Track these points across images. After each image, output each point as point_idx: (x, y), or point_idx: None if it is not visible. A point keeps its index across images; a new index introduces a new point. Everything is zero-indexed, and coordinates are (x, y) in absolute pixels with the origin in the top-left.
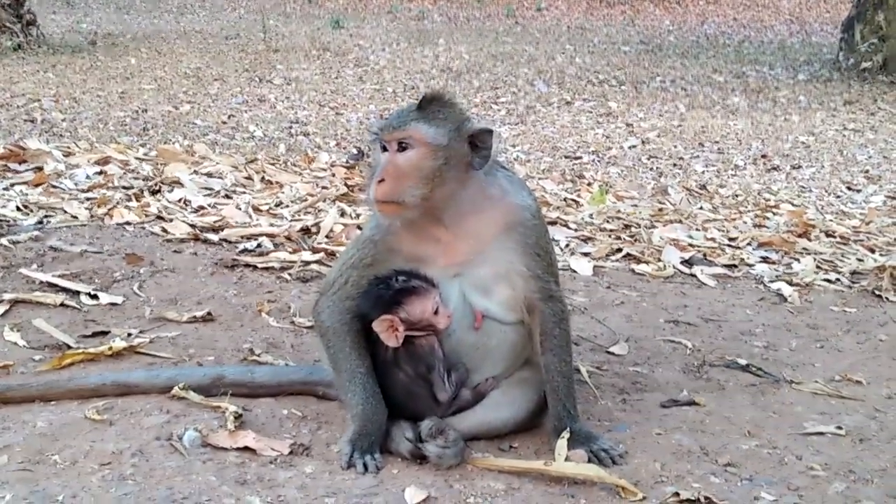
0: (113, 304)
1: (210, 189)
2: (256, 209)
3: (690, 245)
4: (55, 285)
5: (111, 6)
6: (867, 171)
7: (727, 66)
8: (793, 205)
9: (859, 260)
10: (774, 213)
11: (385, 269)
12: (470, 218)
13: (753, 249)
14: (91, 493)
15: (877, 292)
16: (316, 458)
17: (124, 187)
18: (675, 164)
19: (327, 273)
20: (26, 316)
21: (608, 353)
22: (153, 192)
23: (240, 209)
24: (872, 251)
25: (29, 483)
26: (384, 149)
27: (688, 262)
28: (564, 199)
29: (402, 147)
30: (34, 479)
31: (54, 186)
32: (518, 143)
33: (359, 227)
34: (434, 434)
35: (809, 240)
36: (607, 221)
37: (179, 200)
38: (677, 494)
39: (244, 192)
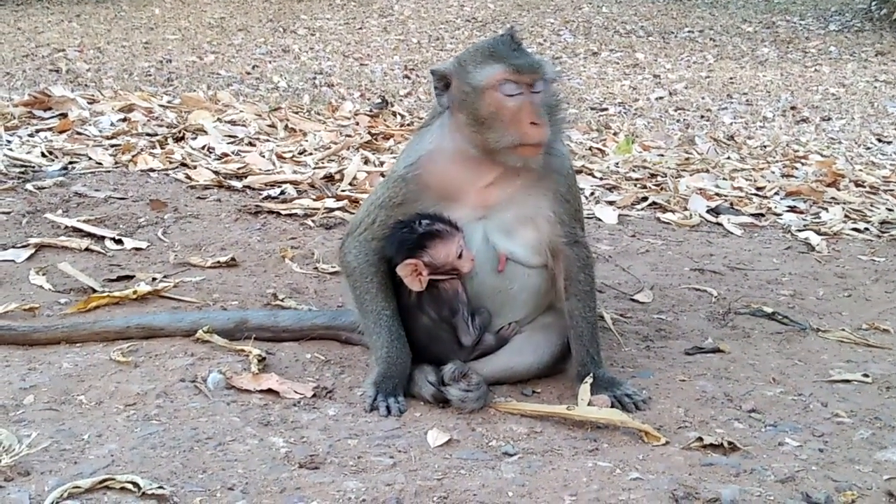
0: (137, 249)
1: (234, 136)
2: (280, 157)
3: (717, 194)
4: (80, 230)
5: None
6: None
7: (757, 16)
8: (822, 156)
9: (889, 209)
10: (803, 164)
11: (414, 208)
12: None
13: (781, 199)
14: (116, 433)
15: None
16: (339, 401)
17: (148, 134)
18: (702, 116)
19: (353, 215)
20: (52, 260)
21: (632, 300)
22: (177, 140)
23: (263, 156)
24: None
25: (55, 422)
26: (512, 93)
27: (714, 211)
28: (590, 149)
29: (535, 88)
30: (60, 419)
31: (79, 133)
32: None
33: (382, 175)
34: (457, 378)
35: (838, 189)
36: (633, 170)
37: (203, 147)
38: (700, 439)
39: (268, 140)
